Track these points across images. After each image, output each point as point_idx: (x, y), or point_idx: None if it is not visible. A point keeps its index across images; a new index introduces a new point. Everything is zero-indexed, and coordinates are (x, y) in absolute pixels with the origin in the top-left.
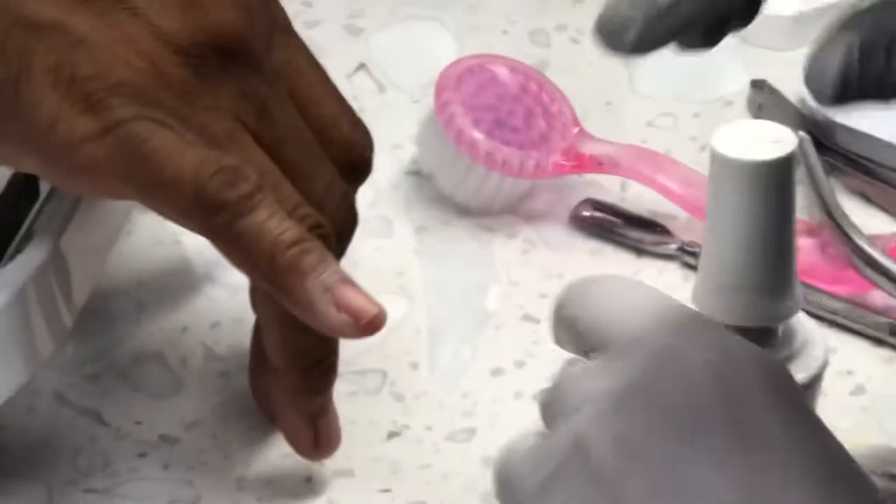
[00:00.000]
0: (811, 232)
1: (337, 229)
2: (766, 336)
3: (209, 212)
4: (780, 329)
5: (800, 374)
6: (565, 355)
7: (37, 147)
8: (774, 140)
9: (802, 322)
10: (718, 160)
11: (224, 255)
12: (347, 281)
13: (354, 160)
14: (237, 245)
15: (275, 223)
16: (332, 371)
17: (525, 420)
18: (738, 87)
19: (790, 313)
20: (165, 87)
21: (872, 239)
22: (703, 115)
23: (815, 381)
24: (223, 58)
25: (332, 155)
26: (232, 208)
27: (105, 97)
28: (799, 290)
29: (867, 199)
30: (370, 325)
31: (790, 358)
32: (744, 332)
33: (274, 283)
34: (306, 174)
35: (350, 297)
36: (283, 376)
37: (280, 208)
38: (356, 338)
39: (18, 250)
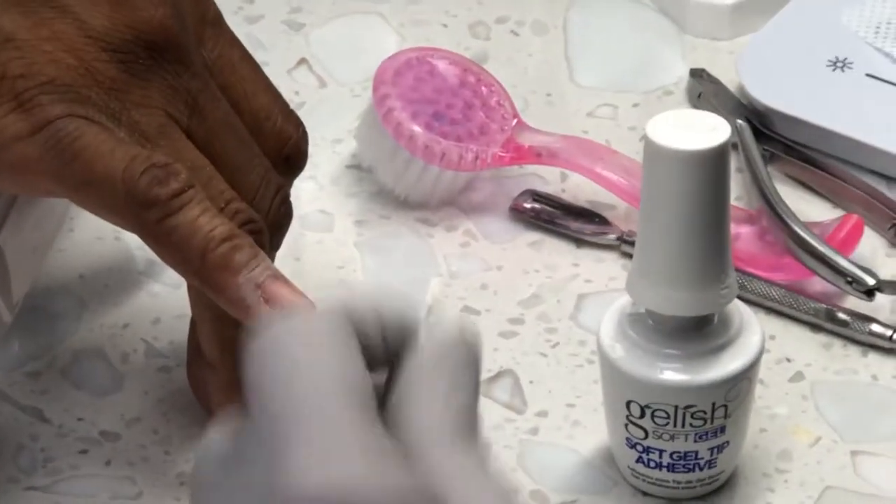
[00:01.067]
0: (749, 219)
1: (271, 223)
2: (701, 324)
3: (140, 209)
4: (716, 317)
5: (737, 361)
6: (508, 346)
7: None
8: (709, 129)
9: (739, 309)
10: (652, 149)
11: (156, 252)
12: (278, 277)
13: (288, 152)
14: (169, 242)
15: (206, 220)
16: None
17: None
18: (678, 76)
19: (725, 302)
20: (95, 85)
21: (810, 226)
22: (643, 105)
23: (752, 368)
24: (152, 54)
25: (266, 148)
26: (163, 205)
27: (35, 95)
28: (734, 279)
29: (805, 186)
30: None
31: (726, 345)
32: (680, 321)
33: (205, 280)
34: (239, 168)
35: (280, 292)
36: (218, 371)
37: (211, 205)
38: None
39: None
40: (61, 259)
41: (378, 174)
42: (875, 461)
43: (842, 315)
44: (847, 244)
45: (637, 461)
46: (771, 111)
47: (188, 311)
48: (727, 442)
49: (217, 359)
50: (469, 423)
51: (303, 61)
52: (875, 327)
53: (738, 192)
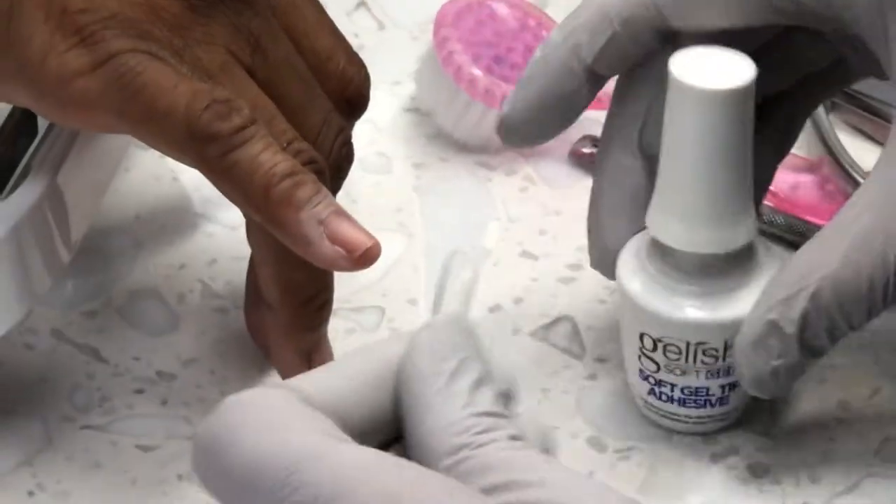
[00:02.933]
0: (810, 168)
1: (332, 164)
2: (719, 261)
3: (202, 144)
4: (736, 255)
5: (752, 300)
6: (566, 291)
7: (29, 81)
8: (733, 67)
9: (763, 249)
10: (675, 86)
11: (218, 188)
12: (341, 213)
13: (350, 94)
14: (230, 178)
15: (268, 156)
16: (326, 307)
17: (523, 356)
18: None
19: (742, 241)
20: (158, 20)
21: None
22: None
23: None
24: None
25: (328, 89)
26: (224, 140)
27: (97, 30)
28: (753, 219)
29: (867, 135)
30: (364, 257)
31: (744, 284)
32: (698, 257)
33: (267, 216)
34: (301, 108)
35: (344, 229)
36: (277, 312)
37: (274, 141)
38: (350, 270)
39: (16, 186)
40: (118, 199)
41: (437, 117)
42: None
43: None
44: None
45: (649, 393)
46: None
47: (245, 253)
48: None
49: (277, 300)
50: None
51: (362, 3)
52: None
53: (798, 140)
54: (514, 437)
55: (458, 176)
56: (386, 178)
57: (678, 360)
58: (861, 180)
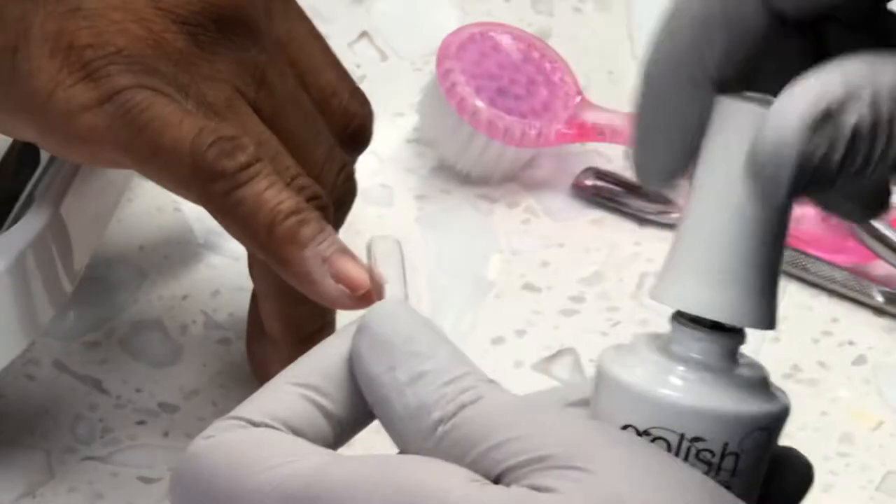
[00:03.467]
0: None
1: (335, 200)
2: (731, 347)
3: (207, 181)
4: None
5: (759, 404)
6: (569, 324)
7: (35, 115)
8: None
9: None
10: (723, 107)
11: (222, 224)
12: (345, 251)
13: (353, 130)
14: (235, 215)
15: (273, 193)
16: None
17: (525, 389)
18: None
19: (771, 323)
20: (164, 56)
21: None
22: None
23: (774, 422)
24: (221, 26)
25: (332, 125)
26: (230, 178)
27: (104, 65)
28: (776, 307)
29: None
30: (368, 295)
31: (751, 383)
32: (721, 332)
33: (271, 254)
34: (305, 144)
35: (348, 267)
36: (279, 347)
37: (278, 178)
38: (354, 308)
39: (18, 217)
40: (121, 229)
41: (440, 149)
42: None
43: None
44: None
45: None
46: None
47: (247, 284)
48: None
49: (279, 334)
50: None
51: (364, 34)
52: None
53: None
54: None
55: (460, 208)
56: (388, 210)
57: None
58: None
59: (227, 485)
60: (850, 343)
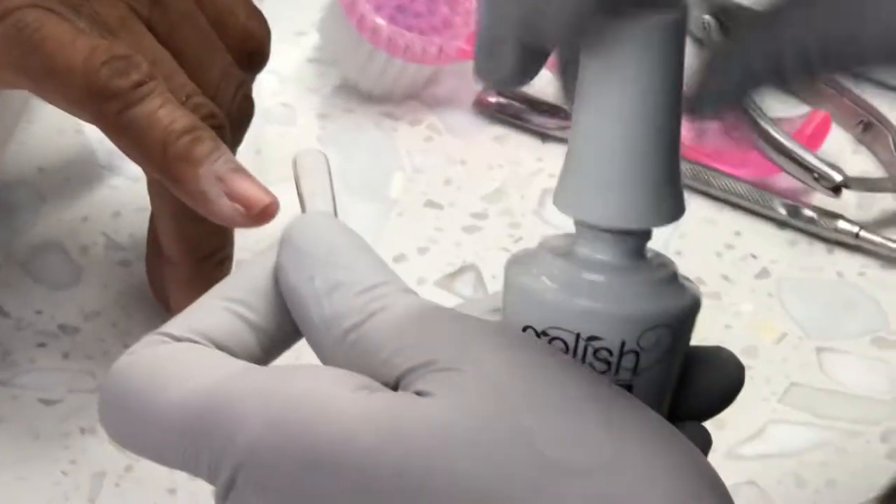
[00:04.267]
0: None
1: (233, 119)
2: (633, 249)
3: (100, 100)
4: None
5: (673, 300)
6: (471, 240)
7: None
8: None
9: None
10: (603, 20)
11: (116, 144)
12: (240, 169)
13: (251, 49)
14: (129, 134)
15: (167, 112)
16: (226, 262)
17: None
18: None
19: (677, 214)
20: None
21: (777, 121)
22: None
23: (689, 314)
24: None
25: (229, 44)
26: (123, 97)
27: None
28: (682, 196)
29: None
30: (262, 214)
31: (652, 282)
32: (623, 234)
33: (166, 173)
34: (201, 63)
35: (242, 185)
36: (178, 268)
37: (172, 97)
38: (249, 226)
39: None
40: (21, 152)
41: (341, 67)
42: (840, 358)
43: (808, 212)
44: (814, 140)
45: None
46: (738, 7)
47: (149, 205)
48: None
49: (176, 254)
50: None
51: None
52: (841, 224)
53: None
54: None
55: (362, 126)
56: (290, 129)
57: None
58: (765, 125)
59: (144, 399)
60: (753, 256)
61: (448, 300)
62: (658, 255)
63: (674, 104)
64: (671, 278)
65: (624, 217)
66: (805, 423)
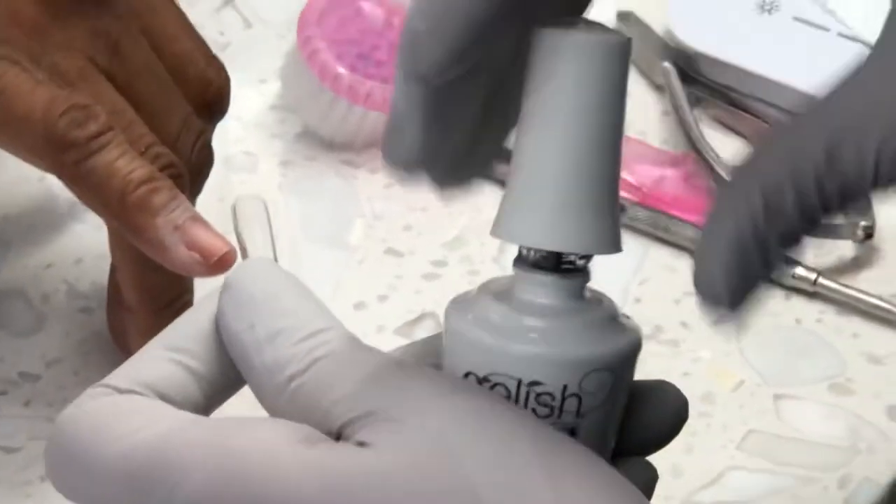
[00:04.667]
0: (675, 162)
1: (192, 168)
2: (573, 287)
3: (59, 150)
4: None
5: (601, 345)
6: (430, 288)
7: None
8: (606, 31)
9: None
10: (547, 40)
11: (75, 194)
12: (197, 219)
13: (210, 97)
14: (87, 183)
15: (125, 162)
16: (186, 310)
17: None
18: (605, 18)
19: (612, 246)
20: (16, 26)
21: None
22: None
23: (619, 362)
24: None
25: (188, 93)
26: (82, 147)
27: None
28: (618, 230)
29: (732, 129)
30: (220, 262)
31: (595, 323)
32: (561, 272)
33: (124, 222)
34: (160, 112)
35: (200, 235)
36: (137, 316)
37: (130, 147)
38: (207, 275)
39: None
40: None
41: (303, 115)
42: (798, 404)
43: None
44: None
45: None
46: (698, 54)
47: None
48: None
49: (136, 303)
50: None
51: (228, 1)
52: (799, 270)
53: (664, 134)
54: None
55: (323, 174)
56: (252, 176)
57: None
58: (724, 174)
59: (87, 452)
60: None
61: None
62: (596, 294)
63: (613, 131)
64: (611, 318)
65: (567, 242)
66: (763, 470)
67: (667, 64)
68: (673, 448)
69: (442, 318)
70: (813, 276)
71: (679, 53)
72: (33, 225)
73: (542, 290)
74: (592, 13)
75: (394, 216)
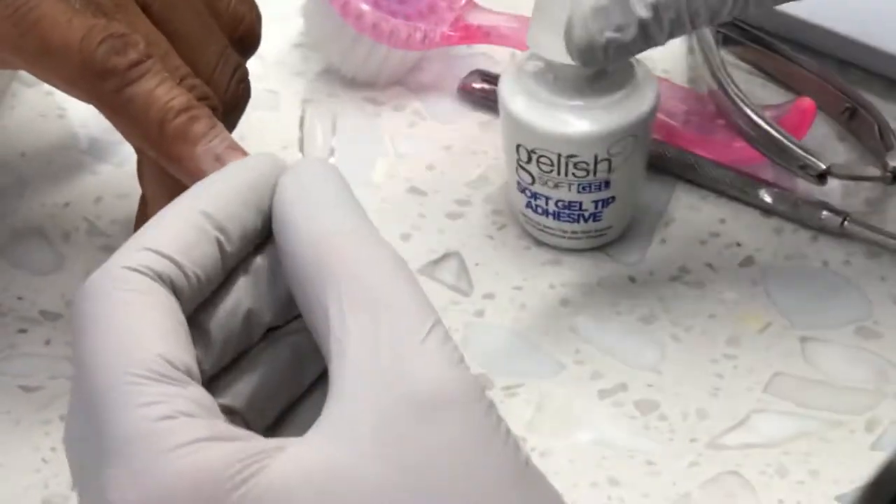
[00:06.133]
0: (701, 102)
1: (230, 100)
2: (595, 78)
3: (97, 79)
4: (612, 74)
5: (621, 117)
6: (454, 227)
7: None
8: None
9: (639, 70)
10: None
11: (113, 123)
12: (237, 148)
13: (242, 33)
14: (126, 112)
15: (164, 90)
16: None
17: None
18: None
19: None
20: None
21: (763, 109)
22: None
23: (637, 125)
24: None
25: (220, 28)
26: (120, 75)
27: None
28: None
29: (758, 69)
30: None
31: (616, 101)
32: (573, 73)
33: (163, 151)
34: (198, 44)
35: None
36: None
37: (168, 76)
38: None
39: None
40: (2, 136)
41: (325, 53)
42: (824, 347)
43: (793, 199)
44: (799, 128)
45: (527, 206)
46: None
47: (131, 191)
48: (613, 197)
49: None
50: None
51: None
52: (826, 213)
53: (689, 74)
54: None
55: (346, 112)
56: (274, 114)
57: (551, 172)
58: (750, 113)
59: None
60: (738, 244)
61: (431, 287)
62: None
63: None
64: (632, 89)
65: None
66: (788, 413)
67: None
68: (698, 391)
69: (465, 257)
70: (840, 218)
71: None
72: (52, 162)
73: (573, 80)
74: None
75: (417, 155)
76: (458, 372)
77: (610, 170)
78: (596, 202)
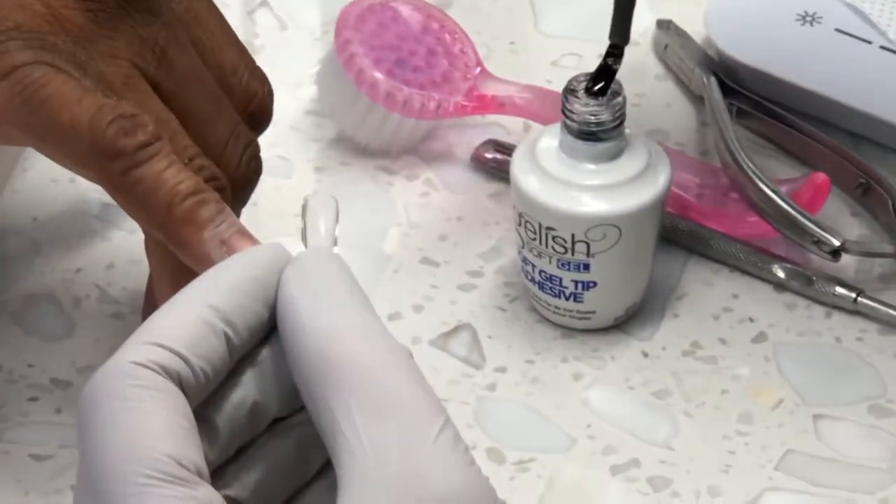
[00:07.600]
0: (714, 175)
1: (241, 178)
2: (601, 158)
3: (105, 159)
4: (619, 157)
5: (600, 205)
6: (466, 299)
7: None
8: None
9: (648, 145)
10: None
11: (120, 204)
12: (244, 233)
13: (254, 109)
14: (134, 194)
15: (172, 172)
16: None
17: (423, 365)
18: (645, 27)
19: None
20: (62, 32)
21: (776, 183)
22: None
23: (618, 217)
24: (121, 2)
25: (232, 104)
26: (129, 156)
27: (1, 41)
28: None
29: (772, 142)
30: None
31: (607, 188)
32: (585, 151)
33: (170, 235)
34: (209, 122)
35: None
36: None
37: (177, 158)
38: None
39: None
40: (15, 200)
41: (338, 120)
42: (837, 425)
43: (806, 275)
44: (813, 203)
45: (522, 270)
46: (738, 65)
47: (142, 257)
48: (593, 282)
49: None
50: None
51: (263, 3)
52: (839, 289)
53: (703, 146)
54: None
55: (358, 180)
56: (286, 182)
57: (535, 239)
58: (764, 188)
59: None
60: (751, 320)
61: (444, 360)
62: (641, 146)
63: None
64: (638, 175)
65: None
66: (801, 492)
67: (704, 74)
68: (711, 467)
69: (478, 329)
70: (853, 294)
71: (719, 64)
72: (64, 227)
73: (577, 148)
74: (633, 20)
75: (429, 225)
76: (472, 475)
77: (589, 253)
78: (576, 282)
